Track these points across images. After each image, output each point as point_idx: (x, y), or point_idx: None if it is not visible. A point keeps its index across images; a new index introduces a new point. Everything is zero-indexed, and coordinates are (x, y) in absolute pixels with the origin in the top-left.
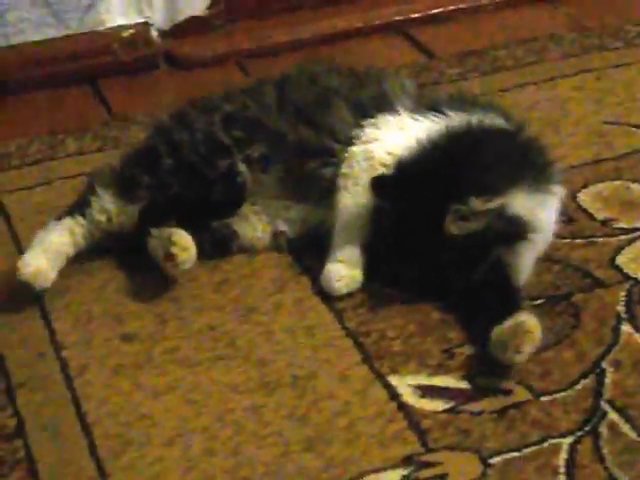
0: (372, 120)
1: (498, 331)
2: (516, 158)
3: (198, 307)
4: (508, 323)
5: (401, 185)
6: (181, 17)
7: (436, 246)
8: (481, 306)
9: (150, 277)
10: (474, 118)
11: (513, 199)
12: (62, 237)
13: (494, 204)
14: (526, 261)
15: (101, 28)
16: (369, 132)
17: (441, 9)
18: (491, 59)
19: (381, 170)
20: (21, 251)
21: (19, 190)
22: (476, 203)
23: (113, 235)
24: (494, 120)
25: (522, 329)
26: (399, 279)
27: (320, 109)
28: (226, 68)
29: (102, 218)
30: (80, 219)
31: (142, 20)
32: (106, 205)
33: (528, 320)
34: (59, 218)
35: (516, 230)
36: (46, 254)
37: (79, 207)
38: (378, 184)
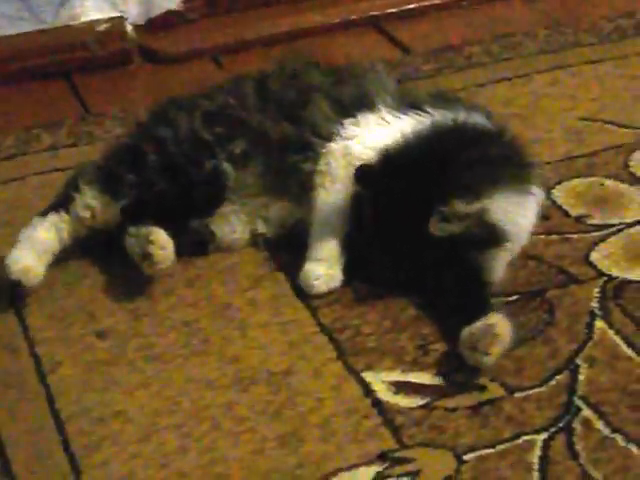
0: (352, 117)
1: (467, 332)
2: (500, 160)
3: (172, 303)
4: (478, 324)
5: (385, 175)
6: (156, 11)
7: (413, 240)
8: (454, 304)
9: (124, 273)
10: (458, 116)
11: (494, 203)
12: (48, 233)
13: (475, 207)
14: (500, 263)
15: (75, 22)
16: (348, 129)
17: (416, 4)
18: (466, 55)
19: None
20: None
21: None
22: (459, 205)
23: (97, 232)
24: (476, 118)
25: (491, 332)
26: (376, 273)
27: (301, 105)
28: (201, 63)
29: (86, 214)
30: (64, 215)
31: (117, 14)
32: (90, 201)
33: (497, 322)
34: (44, 214)
35: (492, 237)
36: (34, 251)
37: (63, 203)
38: (362, 173)
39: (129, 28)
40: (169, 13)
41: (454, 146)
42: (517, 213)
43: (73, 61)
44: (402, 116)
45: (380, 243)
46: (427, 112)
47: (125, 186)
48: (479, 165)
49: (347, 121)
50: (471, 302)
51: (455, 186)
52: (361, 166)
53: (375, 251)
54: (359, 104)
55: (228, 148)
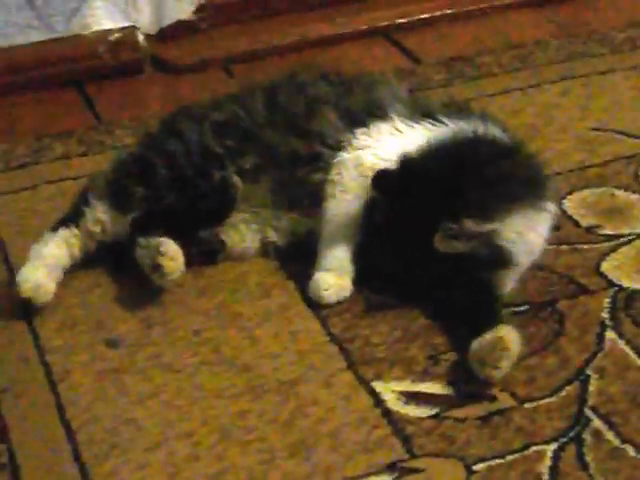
0: (363, 127)
1: (476, 346)
2: (517, 178)
3: (183, 312)
4: (487, 337)
5: (402, 183)
6: (167, 21)
7: (424, 250)
8: (463, 314)
9: (135, 282)
10: (475, 127)
11: (506, 224)
12: (59, 249)
13: (485, 228)
14: (508, 280)
15: (87, 32)
16: (360, 139)
17: (427, 14)
18: (477, 65)
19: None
20: (6, 255)
21: (4, 194)
22: (469, 224)
23: (107, 245)
24: (493, 130)
25: (500, 345)
26: (386, 283)
27: (310, 118)
28: (212, 72)
29: (96, 229)
30: (75, 230)
31: (128, 24)
32: (100, 216)
33: (506, 335)
34: (54, 229)
35: (500, 259)
36: (44, 268)
37: (73, 218)
38: (380, 179)
39: (141, 38)
40: (181, 23)
41: (473, 159)
42: (529, 232)
43: (85, 70)
44: (415, 125)
45: (391, 252)
46: (441, 122)
47: (135, 200)
48: (495, 184)
49: (359, 131)
50: (480, 313)
51: (468, 204)
52: (379, 172)
53: (386, 260)
54: (370, 113)
55: (238, 162)
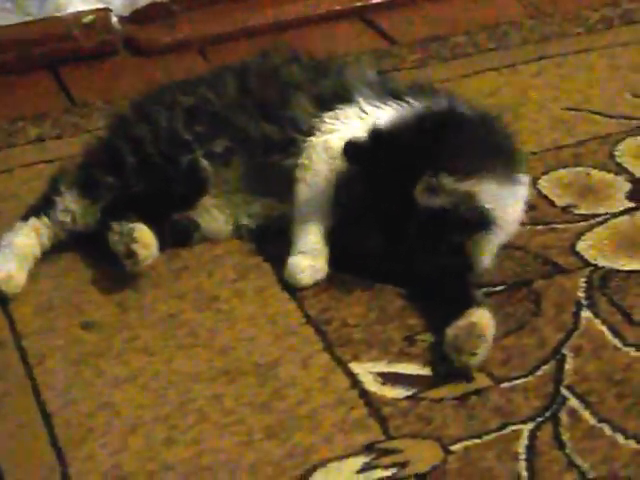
0: (332, 111)
1: (451, 333)
2: (493, 145)
3: (159, 295)
4: (460, 324)
5: (374, 150)
6: (141, 3)
7: (401, 217)
8: (438, 295)
9: (110, 265)
10: (442, 105)
11: (484, 187)
12: (29, 239)
13: (465, 187)
14: (488, 252)
15: (61, 14)
16: (328, 123)
17: None
18: (452, 45)
19: (340, 161)
20: None
21: None
22: (448, 180)
23: (78, 233)
24: (461, 109)
25: (475, 332)
26: (361, 262)
27: (282, 103)
28: (186, 54)
29: (67, 219)
30: (45, 219)
31: (102, 6)
32: (70, 205)
33: (480, 320)
34: (25, 218)
35: (480, 221)
36: (15, 258)
37: (44, 207)
38: (350, 147)
39: (114, 20)
40: (154, 5)
41: (447, 127)
42: (506, 200)
43: (58, 53)
44: (383, 107)
45: (366, 227)
46: (409, 102)
47: (104, 189)
48: (472, 147)
49: (326, 115)
50: (455, 294)
51: (447, 162)
52: (349, 141)
53: (361, 238)
54: (338, 98)
55: (208, 146)
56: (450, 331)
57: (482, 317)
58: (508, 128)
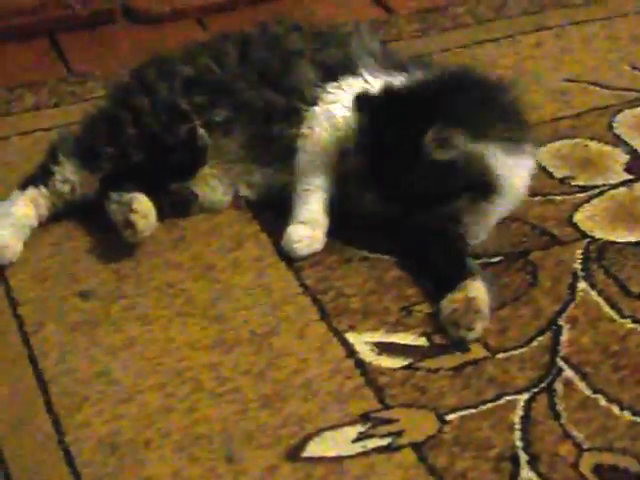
0: (335, 81)
1: (447, 306)
2: (506, 111)
3: (156, 264)
4: (458, 297)
5: (385, 104)
6: None
7: (405, 171)
8: (433, 265)
9: (107, 234)
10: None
11: (493, 152)
12: (26, 209)
13: (477, 147)
14: (488, 220)
15: None
16: (331, 93)
17: None
18: (451, 16)
19: (342, 131)
20: None
21: None
22: (460, 136)
23: (76, 204)
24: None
25: (473, 307)
26: (360, 231)
27: (285, 72)
28: (184, 23)
29: (65, 189)
30: (43, 189)
31: None
32: (69, 175)
33: (478, 295)
34: (23, 188)
35: (485, 185)
36: (11, 227)
37: (42, 177)
38: (362, 99)
39: None
40: None
41: (462, 86)
42: (512, 169)
43: (56, 20)
44: (385, 77)
45: (367, 192)
46: (413, 73)
47: (103, 159)
48: (487, 109)
49: (330, 85)
50: (450, 264)
51: (460, 120)
52: (361, 93)
53: (361, 204)
54: (342, 68)
55: (208, 116)
56: (447, 304)
57: (479, 292)
58: (519, 98)
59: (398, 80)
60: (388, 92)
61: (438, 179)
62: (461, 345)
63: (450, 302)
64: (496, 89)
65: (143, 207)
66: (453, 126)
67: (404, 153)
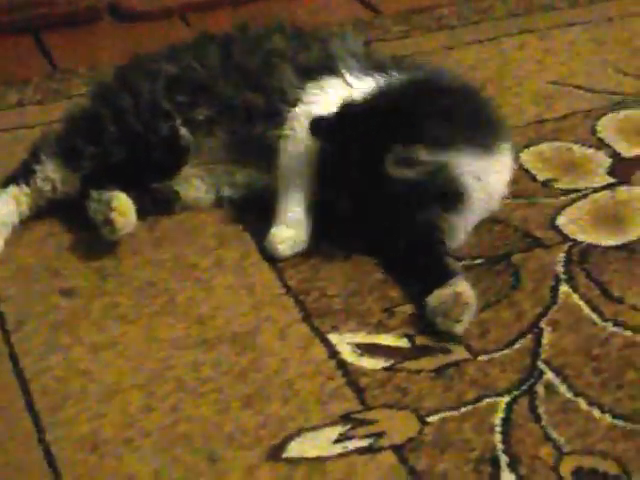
0: (315, 82)
1: (436, 300)
2: (471, 115)
3: (138, 263)
4: (446, 292)
5: (342, 126)
6: None
7: (373, 190)
8: (414, 267)
9: (90, 232)
10: (429, 74)
11: (461, 158)
12: (8, 207)
13: (439, 158)
14: (465, 223)
15: None
16: (312, 94)
17: None
18: (436, 17)
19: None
20: None
21: None
22: (422, 151)
23: (58, 202)
24: (447, 78)
25: (461, 300)
26: (340, 234)
27: (266, 73)
28: (169, 21)
29: (47, 187)
30: (25, 188)
31: None
32: (51, 174)
33: (465, 291)
34: (4, 186)
35: (456, 193)
36: None
37: (24, 175)
38: (316, 124)
39: None
40: None
41: (422, 97)
42: (486, 170)
43: (40, 17)
44: (366, 78)
45: (342, 201)
46: (391, 75)
47: (85, 158)
48: (449, 117)
49: (310, 86)
50: (431, 265)
51: (423, 133)
52: (314, 118)
53: (338, 210)
54: (323, 68)
55: (189, 115)
56: (434, 298)
57: (466, 288)
58: (489, 99)
59: (376, 82)
60: (343, 112)
61: (405, 195)
62: (447, 337)
63: (437, 296)
64: (463, 93)
65: (122, 205)
66: (415, 142)
67: (368, 174)
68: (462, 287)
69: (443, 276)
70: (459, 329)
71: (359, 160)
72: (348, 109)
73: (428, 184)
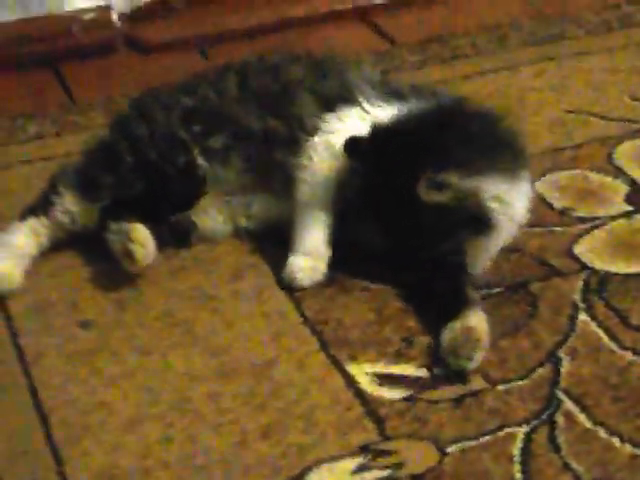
0: (334, 111)
1: (447, 337)
2: (500, 142)
3: (156, 294)
4: (457, 327)
5: (375, 147)
6: (142, 0)
7: (403, 213)
8: (434, 295)
9: (108, 264)
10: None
11: (489, 185)
12: (27, 239)
13: (471, 184)
14: (488, 251)
15: (61, 11)
16: (330, 123)
17: None
18: (452, 46)
19: (342, 162)
20: None
21: None
22: (453, 176)
23: (77, 234)
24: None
25: (471, 337)
26: (362, 259)
27: (285, 99)
28: (186, 52)
29: (66, 219)
30: (44, 220)
31: (102, 3)
32: (69, 206)
33: (477, 325)
34: (23, 218)
35: (486, 219)
36: (11, 257)
37: (43, 207)
38: (351, 143)
39: (115, 17)
40: (155, 2)
41: (452, 123)
42: (511, 197)
43: (58, 50)
44: (385, 107)
45: (367, 225)
46: (411, 102)
47: (103, 189)
48: (478, 143)
49: (328, 115)
50: (451, 294)
51: (454, 158)
52: (350, 137)
53: (363, 235)
54: (341, 97)
55: (206, 143)
56: (447, 334)
57: (478, 321)
58: (513, 125)
59: (395, 110)
60: (377, 134)
61: (435, 220)
62: (461, 375)
63: (449, 332)
64: (488, 119)
65: (141, 236)
66: (445, 167)
67: (398, 197)
68: (474, 321)
69: (459, 306)
70: (471, 366)
71: (391, 183)
72: (381, 131)
73: (458, 209)
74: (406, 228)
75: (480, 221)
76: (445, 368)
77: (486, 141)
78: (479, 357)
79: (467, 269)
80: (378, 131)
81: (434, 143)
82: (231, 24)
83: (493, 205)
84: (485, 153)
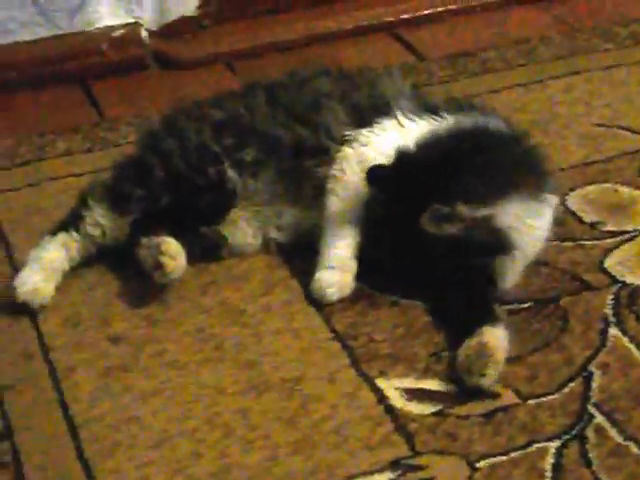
0: (367, 123)
1: (461, 355)
2: (515, 165)
3: (186, 309)
4: (471, 344)
5: (397, 176)
6: (171, 17)
7: (424, 244)
8: (459, 312)
9: (138, 279)
10: (476, 120)
11: (503, 209)
12: (58, 253)
13: (481, 213)
14: (510, 271)
15: (90, 28)
16: (364, 134)
17: (431, 10)
18: (481, 60)
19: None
20: (9, 252)
21: (8, 191)
22: (462, 208)
23: (108, 248)
24: (494, 124)
25: (484, 353)
26: (388, 278)
27: (314, 110)
28: (215, 69)
29: (96, 233)
30: (74, 234)
31: (132, 20)
32: (100, 220)
33: (490, 340)
34: (53, 233)
35: (499, 244)
36: (42, 271)
37: (73, 222)
38: (374, 174)
39: (144, 34)
40: (184, 19)
41: (470, 148)
42: (529, 220)
43: (88, 67)
44: (418, 121)
45: (391, 246)
46: (444, 117)
47: (133, 202)
48: (491, 170)
49: (363, 127)
50: (476, 310)
51: (461, 188)
52: (373, 166)
53: (387, 255)
54: (375, 109)
55: (237, 156)
56: (462, 351)
57: (493, 336)
58: (537, 146)
59: (428, 125)
60: (399, 162)
61: (450, 250)
62: (476, 393)
63: (464, 348)
64: (509, 140)
65: (172, 249)
66: (454, 198)
67: (412, 227)
68: (489, 337)
69: (480, 322)
70: (486, 383)
71: (405, 213)
72: (404, 160)
73: (471, 237)
74: (422, 256)
75: (497, 246)
76: (462, 385)
77: (504, 164)
78: (493, 374)
79: (494, 284)
80: (401, 158)
81: (444, 174)
82: (259, 40)
83: (510, 229)
84: (501, 177)
